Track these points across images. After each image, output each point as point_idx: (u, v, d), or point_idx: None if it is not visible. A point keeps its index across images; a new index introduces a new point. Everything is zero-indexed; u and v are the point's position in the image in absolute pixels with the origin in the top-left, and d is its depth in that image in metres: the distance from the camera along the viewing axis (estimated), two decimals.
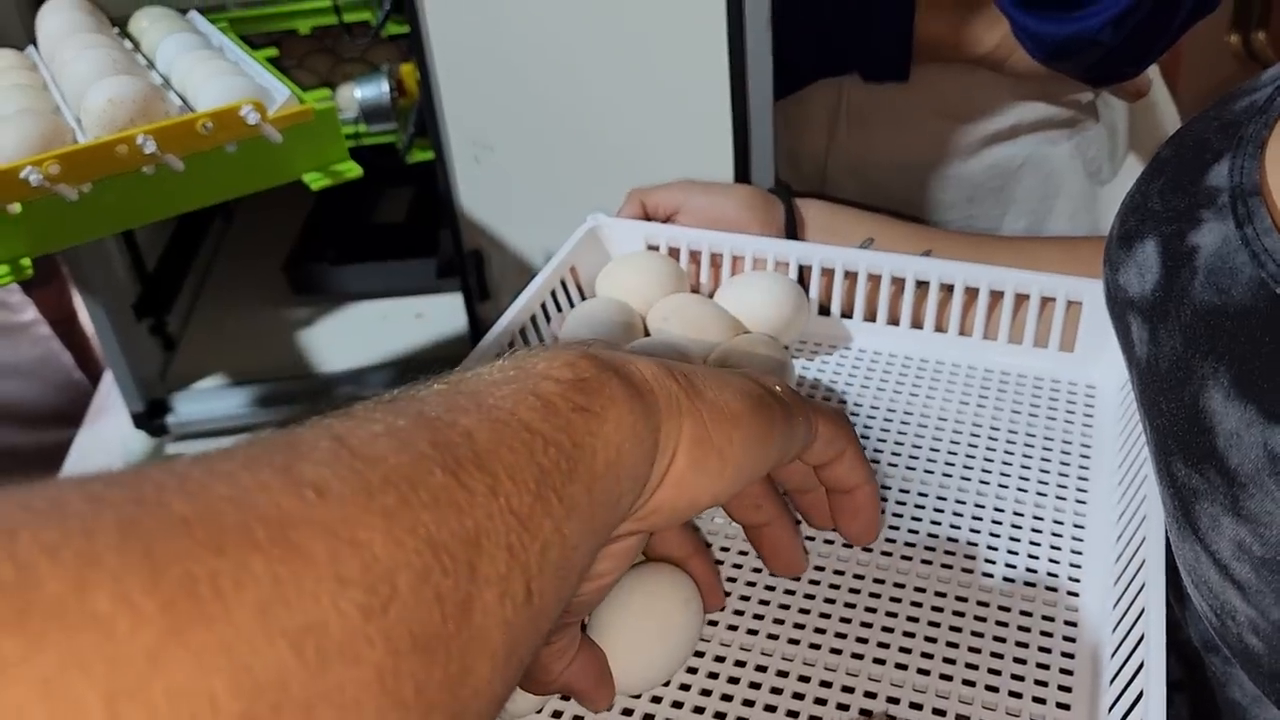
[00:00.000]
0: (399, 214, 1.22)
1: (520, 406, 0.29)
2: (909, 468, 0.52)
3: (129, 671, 0.18)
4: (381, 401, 0.28)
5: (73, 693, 0.17)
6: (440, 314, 1.10)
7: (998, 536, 0.48)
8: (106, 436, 1.04)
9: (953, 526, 0.48)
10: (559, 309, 0.60)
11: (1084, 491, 0.50)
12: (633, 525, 0.34)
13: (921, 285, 0.61)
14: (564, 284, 0.61)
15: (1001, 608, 0.44)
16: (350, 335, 1.09)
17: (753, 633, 0.44)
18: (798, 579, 0.46)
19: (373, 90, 0.90)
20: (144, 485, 0.21)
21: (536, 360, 0.31)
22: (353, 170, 0.68)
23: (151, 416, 1.00)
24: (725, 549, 0.48)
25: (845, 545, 0.47)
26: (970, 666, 0.42)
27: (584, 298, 0.62)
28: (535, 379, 0.30)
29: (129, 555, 0.19)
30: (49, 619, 0.17)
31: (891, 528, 0.48)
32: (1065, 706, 0.40)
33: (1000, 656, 0.42)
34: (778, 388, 0.39)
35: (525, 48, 0.75)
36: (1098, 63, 0.74)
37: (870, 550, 0.47)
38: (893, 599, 0.45)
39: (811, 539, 0.48)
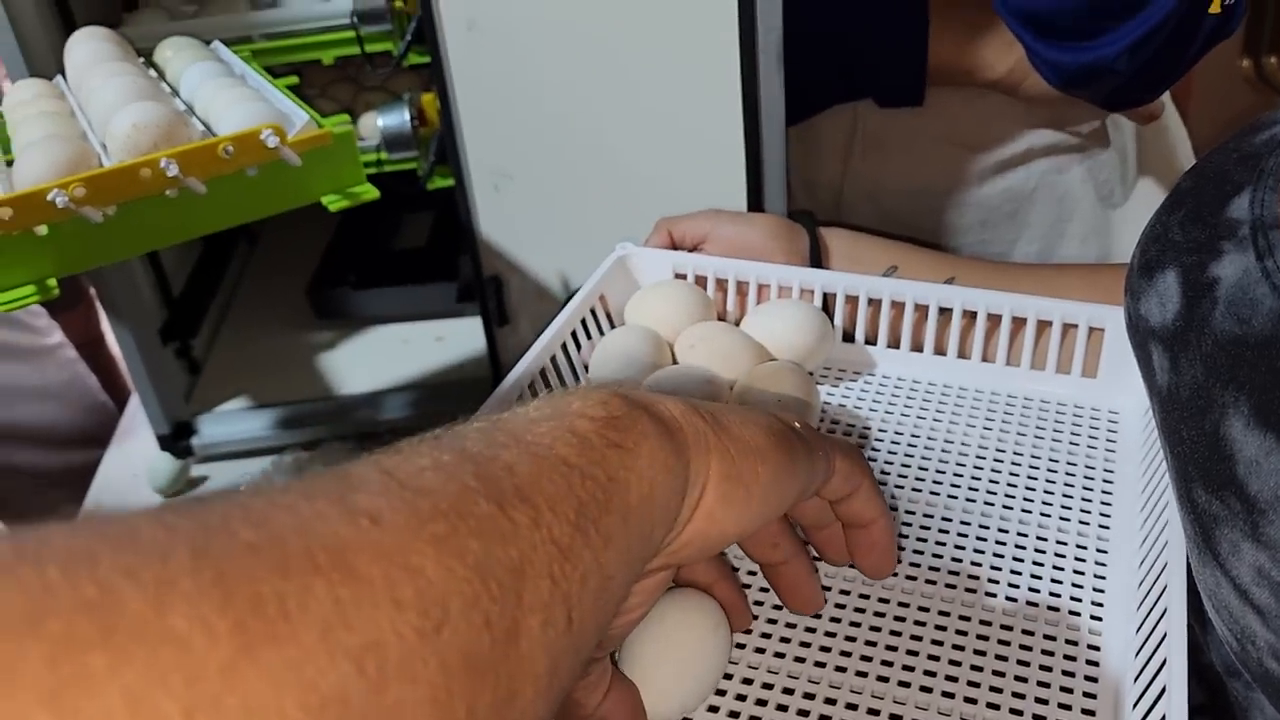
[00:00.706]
0: (419, 239, 1.23)
1: (558, 443, 0.30)
2: (933, 493, 0.53)
3: (206, 686, 0.19)
4: (425, 439, 0.29)
5: (155, 704, 0.18)
6: (460, 337, 1.11)
7: (1021, 561, 0.48)
8: (132, 458, 1.05)
9: (976, 551, 0.49)
10: (589, 336, 0.61)
11: (1106, 517, 0.51)
12: (664, 559, 0.35)
13: (944, 312, 0.61)
14: (594, 312, 0.62)
15: (1025, 631, 0.45)
16: (371, 358, 1.11)
17: (779, 655, 0.44)
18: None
19: (394, 119, 0.91)
20: (210, 515, 0.22)
21: (571, 400, 0.33)
22: (369, 192, 0.69)
23: (176, 439, 1.01)
24: (753, 572, 0.48)
25: None
26: (994, 690, 0.42)
27: (613, 325, 0.63)
28: (571, 417, 0.31)
29: (202, 578, 0.20)
30: (131, 636, 0.18)
31: (916, 552, 0.49)
32: None
33: (1024, 680, 0.43)
34: (796, 424, 0.40)
35: (543, 79, 0.77)
36: (1114, 89, 0.75)
37: (895, 574, 0.48)
38: (917, 622, 0.45)
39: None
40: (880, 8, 0.84)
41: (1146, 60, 0.70)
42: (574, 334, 0.60)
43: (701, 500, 0.35)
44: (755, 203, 0.77)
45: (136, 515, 0.21)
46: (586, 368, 0.60)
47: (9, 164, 0.67)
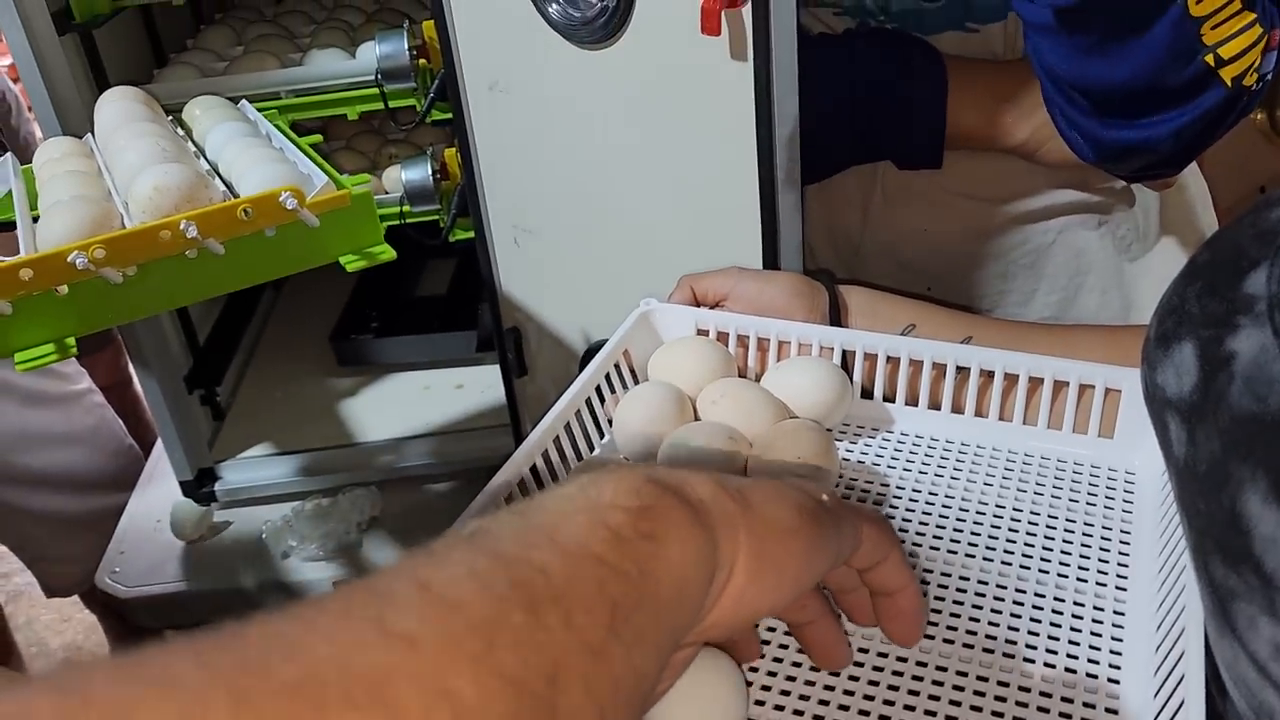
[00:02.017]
0: (441, 286, 1.25)
1: (591, 539, 0.30)
2: (950, 550, 0.53)
3: None
4: (459, 538, 0.29)
5: None
6: (480, 384, 1.12)
7: (1039, 623, 0.49)
8: (156, 504, 1.06)
9: (994, 611, 0.49)
10: (613, 390, 0.62)
11: (1124, 579, 0.51)
12: (693, 638, 0.36)
13: (962, 371, 0.62)
14: (617, 366, 0.63)
15: (1043, 694, 0.45)
16: (392, 405, 1.12)
17: (799, 713, 0.45)
18: None
19: (417, 173, 0.93)
20: (248, 649, 0.23)
21: (603, 487, 0.33)
22: (386, 253, 0.70)
23: (199, 484, 1.02)
24: (771, 629, 0.49)
25: None
26: None
27: (636, 380, 0.64)
28: (603, 510, 0.32)
29: None
30: None
31: (934, 611, 0.49)
32: None
33: None
34: (824, 496, 0.40)
35: (562, 138, 0.78)
36: (1144, 165, 0.75)
37: None
38: (935, 683, 0.46)
39: None
40: (900, 73, 0.85)
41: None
42: (598, 389, 0.61)
43: (731, 580, 0.35)
44: (770, 263, 0.78)
45: (176, 654, 0.22)
46: (610, 422, 0.61)
47: (36, 220, 0.68)
